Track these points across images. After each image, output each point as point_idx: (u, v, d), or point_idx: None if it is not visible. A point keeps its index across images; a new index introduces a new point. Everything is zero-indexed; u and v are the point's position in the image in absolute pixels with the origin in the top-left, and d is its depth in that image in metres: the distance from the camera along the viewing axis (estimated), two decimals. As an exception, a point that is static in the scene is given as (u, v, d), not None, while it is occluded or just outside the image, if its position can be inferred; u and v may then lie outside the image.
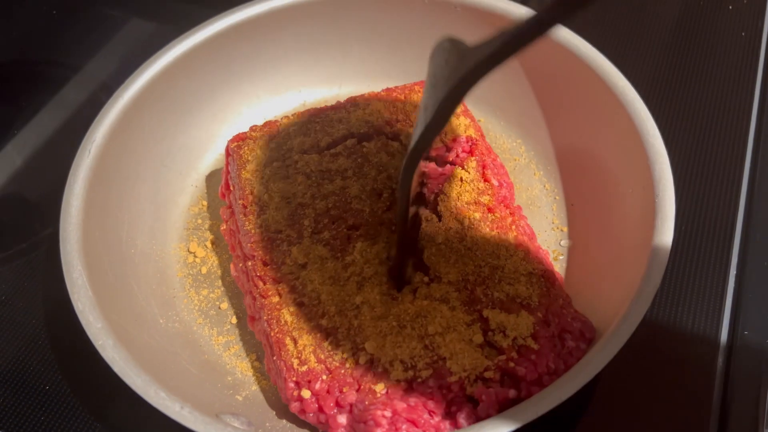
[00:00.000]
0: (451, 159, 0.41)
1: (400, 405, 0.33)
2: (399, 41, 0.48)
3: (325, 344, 0.35)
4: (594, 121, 0.42)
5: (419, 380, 0.34)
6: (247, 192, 0.40)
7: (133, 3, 0.63)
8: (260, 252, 0.38)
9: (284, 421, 0.37)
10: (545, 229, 0.44)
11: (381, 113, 0.43)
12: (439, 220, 0.38)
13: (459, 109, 0.43)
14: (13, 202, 0.52)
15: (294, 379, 0.35)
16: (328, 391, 0.34)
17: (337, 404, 0.34)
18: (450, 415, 0.34)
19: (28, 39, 0.61)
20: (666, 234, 0.34)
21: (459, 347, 0.34)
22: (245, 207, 0.39)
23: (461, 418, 0.33)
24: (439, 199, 0.39)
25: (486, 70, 0.26)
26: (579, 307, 0.37)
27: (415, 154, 0.30)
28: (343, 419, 0.34)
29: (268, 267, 0.38)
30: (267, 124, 0.43)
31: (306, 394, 0.34)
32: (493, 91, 0.46)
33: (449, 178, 0.40)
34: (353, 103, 0.43)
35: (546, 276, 0.37)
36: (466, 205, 0.39)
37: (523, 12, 0.44)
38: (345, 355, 0.35)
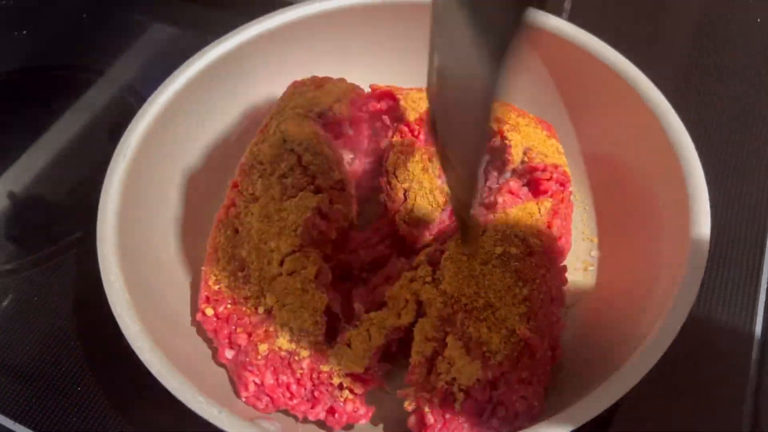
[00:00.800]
0: (542, 186, 0.40)
1: (269, 380, 0.35)
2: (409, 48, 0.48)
3: (240, 275, 0.37)
4: (625, 131, 0.42)
5: (296, 358, 0.35)
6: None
7: (156, 8, 0.64)
8: (240, 175, 0.40)
9: (314, 426, 0.37)
10: (575, 240, 0.43)
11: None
12: (483, 233, 0.37)
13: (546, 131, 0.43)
14: (38, 203, 0.52)
15: (206, 293, 0.38)
16: (227, 320, 0.37)
17: (229, 338, 0.36)
18: (311, 402, 0.35)
19: (55, 44, 0.62)
20: (701, 249, 0.34)
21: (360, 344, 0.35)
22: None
23: (319, 408, 0.35)
24: (496, 211, 0.38)
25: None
26: (609, 317, 0.37)
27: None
28: (229, 355, 0.37)
29: (237, 189, 0.40)
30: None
31: (209, 311, 0.37)
32: (522, 101, 0.46)
33: (521, 203, 0.39)
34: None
35: (529, 345, 0.34)
36: (513, 235, 0.37)
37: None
38: (249, 294, 0.37)
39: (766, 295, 0.41)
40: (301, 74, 0.47)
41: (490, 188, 0.41)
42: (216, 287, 0.38)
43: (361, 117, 0.45)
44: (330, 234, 0.38)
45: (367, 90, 0.45)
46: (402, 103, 0.44)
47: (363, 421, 0.36)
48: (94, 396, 0.40)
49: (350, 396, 0.35)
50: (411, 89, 0.45)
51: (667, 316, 0.32)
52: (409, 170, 0.41)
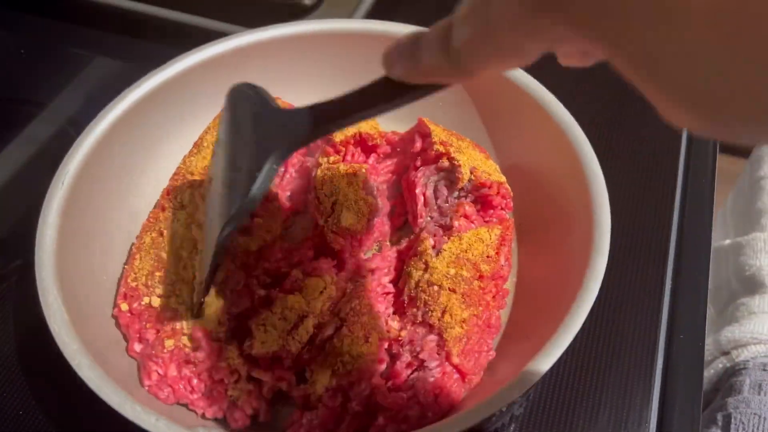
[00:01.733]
0: (492, 201, 0.43)
1: (172, 371, 0.38)
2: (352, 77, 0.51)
3: (157, 275, 0.40)
4: (537, 145, 0.46)
5: (196, 351, 0.38)
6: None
7: (96, 42, 0.65)
8: (171, 184, 0.45)
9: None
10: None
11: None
12: (437, 255, 0.40)
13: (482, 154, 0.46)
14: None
15: (123, 289, 0.41)
16: (138, 316, 0.40)
17: (139, 333, 0.39)
18: (209, 399, 0.38)
19: (-3, 79, 0.63)
20: (604, 241, 0.38)
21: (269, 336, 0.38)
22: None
23: (216, 407, 0.38)
24: (452, 234, 0.41)
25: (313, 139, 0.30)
26: (524, 309, 0.40)
27: (232, 223, 0.32)
28: (138, 348, 0.40)
29: (168, 196, 0.44)
30: None
31: (124, 307, 0.41)
32: (447, 122, 0.49)
33: (474, 228, 0.42)
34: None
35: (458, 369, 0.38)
36: (465, 259, 0.40)
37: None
38: (162, 293, 0.40)
39: (670, 295, 0.45)
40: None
41: (440, 207, 0.44)
42: (133, 284, 0.41)
43: None
44: (250, 246, 0.41)
45: None
46: None
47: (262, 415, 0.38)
48: (35, 419, 0.41)
49: (248, 396, 0.38)
50: None
51: (575, 303, 0.35)
52: (335, 185, 0.44)
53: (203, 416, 0.38)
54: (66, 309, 0.37)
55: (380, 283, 0.42)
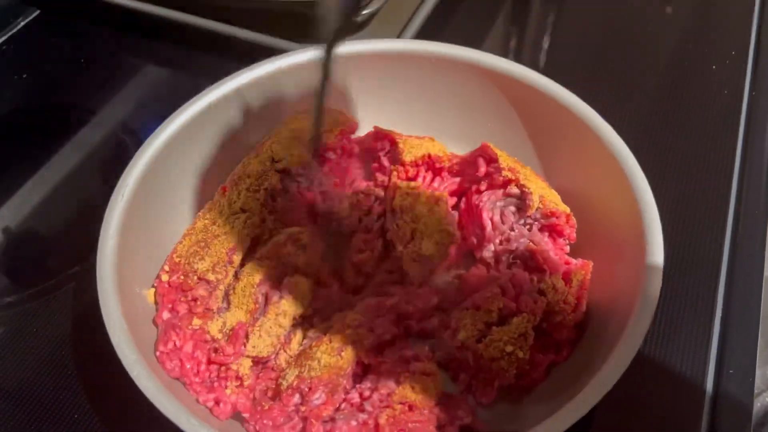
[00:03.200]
0: (561, 230, 0.44)
1: (188, 348, 0.40)
2: (410, 96, 0.52)
3: (200, 257, 0.43)
4: (589, 172, 0.46)
5: (216, 346, 0.40)
6: None
7: (148, 51, 0.67)
8: (229, 183, 0.47)
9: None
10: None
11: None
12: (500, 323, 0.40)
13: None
14: (34, 238, 0.54)
15: (167, 264, 0.43)
16: (176, 288, 0.42)
17: (172, 304, 0.41)
18: (208, 388, 0.40)
19: (53, 86, 0.65)
20: (655, 279, 0.37)
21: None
22: None
23: (211, 396, 0.39)
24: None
25: None
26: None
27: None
28: (165, 316, 0.41)
29: (224, 193, 0.46)
30: None
31: (164, 278, 0.43)
32: (498, 144, 0.49)
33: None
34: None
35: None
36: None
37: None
38: (202, 276, 0.42)
39: (720, 326, 0.44)
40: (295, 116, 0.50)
41: (508, 234, 0.44)
42: (177, 260, 0.43)
43: (350, 148, 0.49)
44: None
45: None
46: (401, 145, 0.48)
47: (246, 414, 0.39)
48: (90, 422, 0.42)
49: (238, 396, 0.39)
50: (410, 136, 0.49)
51: (621, 342, 0.35)
52: (415, 211, 0.44)
53: (197, 401, 0.39)
54: (126, 320, 0.38)
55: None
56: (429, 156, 0.47)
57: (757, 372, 0.54)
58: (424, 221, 0.44)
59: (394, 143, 0.48)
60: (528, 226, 0.44)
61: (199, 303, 0.41)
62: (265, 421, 0.37)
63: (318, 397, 0.37)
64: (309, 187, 0.47)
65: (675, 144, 0.55)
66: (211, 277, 0.42)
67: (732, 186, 0.52)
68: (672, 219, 0.49)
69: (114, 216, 0.42)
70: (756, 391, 0.53)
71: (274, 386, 0.39)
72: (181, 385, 0.40)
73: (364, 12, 0.61)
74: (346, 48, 0.50)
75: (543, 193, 0.44)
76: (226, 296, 0.42)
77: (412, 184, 0.46)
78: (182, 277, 0.42)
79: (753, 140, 0.55)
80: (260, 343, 0.40)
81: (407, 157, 0.47)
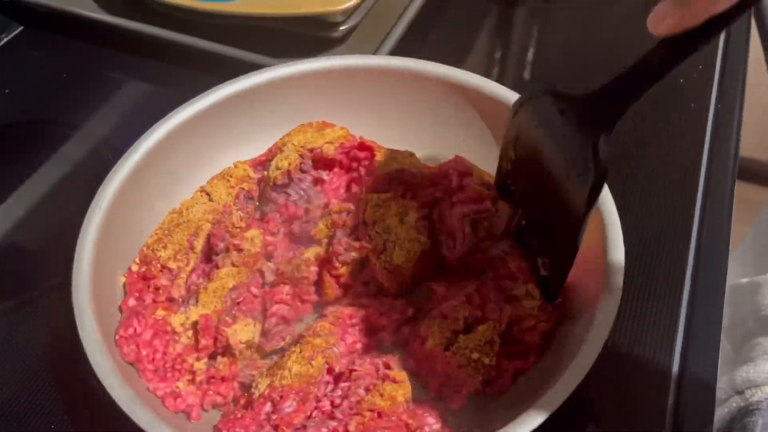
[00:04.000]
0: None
1: (147, 336, 0.41)
2: (417, 114, 0.54)
3: (168, 249, 0.45)
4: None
5: (175, 338, 0.42)
6: None
7: (132, 66, 0.68)
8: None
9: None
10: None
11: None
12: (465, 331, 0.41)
13: None
14: (16, 251, 0.55)
15: (138, 256, 0.45)
16: (143, 278, 0.44)
17: (139, 293, 0.43)
18: (161, 378, 0.41)
19: (36, 101, 0.66)
20: (616, 284, 0.39)
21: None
22: None
23: (163, 386, 0.41)
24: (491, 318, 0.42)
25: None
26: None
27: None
28: (131, 303, 0.43)
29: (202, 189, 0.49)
30: None
31: (134, 268, 0.45)
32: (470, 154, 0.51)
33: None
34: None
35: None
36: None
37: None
38: (169, 267, 0.44)
39: (683, 333, 0.45)
40: (269, 135, 0.51)
41: (479, 247, 0.45)
42: (146, 251, 0.45)
43: (341, 161, 0.50)
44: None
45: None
46: (378, 157, 0.49)
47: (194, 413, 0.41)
48: (67, 432, 0.42)
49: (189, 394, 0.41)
50: (389, 149, 0.50)
51: (583, 347, 0.36)
52: (386, 222, 0.45)
53: (148, 389, 0.40)
54: (100, 331, 0.38)
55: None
56: (402, 170, 0.48)
57: (725, 378, 0.56)
58: (395, 232, 0.45)
59: (372, 154, 0.49)
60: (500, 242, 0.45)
61: (161, 292, 0.43)
62: (237, 429, 0.38)
63: (289, 405, 0.38)
64: (296, 201, 0.48)
65: (642, 154, 0.57)
66: (172, 265, 0.44)
67: (697, 195, 0.53)
68: (638, 227, 0.51)
69: (91, 228, 0.43)
70: (724, 396, 0.55)
71: (245, 395, 0.40)
72: (134, 371, 0.41)
73: (343, 27, 0.63)
74: (325, 62, 0.52)
75: None
76: (195, 294, 0.43)
77: (383, 195, 0.46)
78: (146, 266, 0.44)
79: (719, 150, 0.57)
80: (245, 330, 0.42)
81: (381, 170, 0.48)
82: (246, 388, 0.42)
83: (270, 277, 0.45)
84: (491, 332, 0.40)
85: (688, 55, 0.28)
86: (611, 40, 0.68)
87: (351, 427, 0.37)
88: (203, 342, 0.41)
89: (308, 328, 0.42)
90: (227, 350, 0.42)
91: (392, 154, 0.49)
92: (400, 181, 0.48)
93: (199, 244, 0.45)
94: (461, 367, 0.39)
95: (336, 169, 0.50)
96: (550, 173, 0.38)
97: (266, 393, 0.39)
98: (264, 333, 0.44)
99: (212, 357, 0.43)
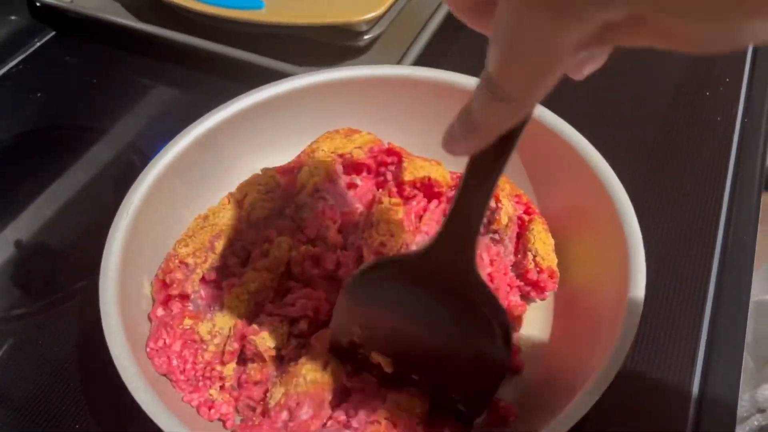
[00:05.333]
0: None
1: (176, 347, 0.42)
2: (440, 124, 0.53)
3: (183, 239, 0.46)
4: (576, 196, 0.47)
5: (204, 347, 0.42)
6: None
7: (159, 72, 0.69)
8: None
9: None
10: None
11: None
12: None
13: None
14: (44, 252, 0.56)
15: (165, 263, 0.46)
16: (171, 286, 0.44)
17: (167, 301, 0.44)
18: (193, 387, 0.41)
19: (65, 105, 0.68)
20: (636, 306, 0.38)
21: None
22: None
23: (196, 396, 0.41)
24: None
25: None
26: (557, 371, 0.41)
27: None
28: (159, 312, 0.44)
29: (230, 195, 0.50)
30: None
31: (160, 275, 0.45)
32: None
33: None
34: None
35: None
36: None
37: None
38: (197, 275, 0.44)
39: (705, 349, 0.45)
40: (293, 143, 0.52)
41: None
42: (175, 260, 0.45)
43: (369, 165, 0.50)
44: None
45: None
46: (405, 164, 0.49)
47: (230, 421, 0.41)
48: (91, 432, 0.43)
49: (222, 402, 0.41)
50: (418, 157, 0.50)
51: (602, 367, 0.36)
52: (390, 226, 0.46)
53: (182, 399, 0.41)
54: (126, 334, 0.39)
55: None
56: (428, 179, 0.48)
57: (746, 395, 0.55)
58: (397, 235, 0.45)
59: (400, 160, 0.50)
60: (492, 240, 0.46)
61: (175, 286, 0.44)
62: None
63: (305, 412, 0.38)
64: (333, 206, 0.48)
65: (667, 167, 0.56)
66: (190, 261, 0.45)
67: (722, 210, 0.53)
68: (662, 241, 0.50)
69: (118, 233, 0.43)
70: (745, 414, 0.54)
71: (261, 403, 0.41)
72: (168, 382, 0.41)
73: (367, 36, 0.64)
74: (349, 72, 0.53)
75: (538, 246, 0.46)
76: (219, 299, 0.44)
77: (393, 200, 0.47)
78: (180, 275, 0.44)
79: (744, 164, 0.56)
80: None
81: (407, 177, 0.48)
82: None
83: (292, 282, 0.46)
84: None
85: (494, 175, 0.28)
86: (630, 56, 0.68)
87: None
88: (233, 347, 0.42)
89: (316, 338, 0.43)
90: (257, 356, 0.42)
91: (420, 162, 0.50)
92: (425, 188, 0.49)
93: (220, 245, 0.45)
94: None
95: (364, 174, 0.51)
96: (435, 338, 0.37)
97: (282, 401, 0.39)
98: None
99: (240, 362, 0.43)
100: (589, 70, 0.25)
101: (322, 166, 0.49)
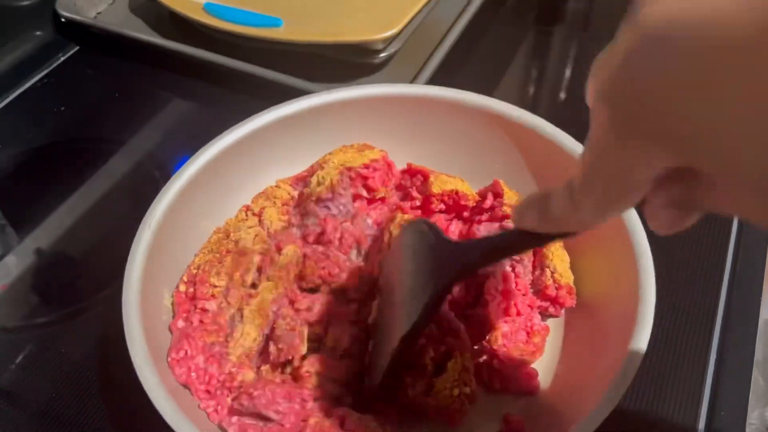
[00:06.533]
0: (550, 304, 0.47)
1: (199, 360, 0.43)
2: (453, 141, 0.55)
3: (215, 271, 0.47)
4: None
5: (226, 357, 0.43)
6: None
7: (178, 85, 0.71)
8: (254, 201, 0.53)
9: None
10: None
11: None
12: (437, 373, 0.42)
13: None
14: (65, 260, 0.58)
15: (185, 276, 0.47)
16: (191, 299, 0.46)
17: (187, 313, 0.45)
18: (213, 397, 0.42)
19: (87, 118, 0.69)
20: (647, 307, 0.39)
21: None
22: None
23: (213, 403, 0.42)
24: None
25: (468, 274, 0.36)
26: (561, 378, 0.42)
27: (414, 334, 0.38)
28: (180, 324, 0.45)
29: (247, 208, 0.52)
30: None
31: (182, 288, 0.46)
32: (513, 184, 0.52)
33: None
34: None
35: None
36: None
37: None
38: (217, 285, 0.46)
39: (714, 369, 0.46)
40: (310, 158, 0.53)
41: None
42: (194, 271, 0.46)
43: (385, 181, 0.52)
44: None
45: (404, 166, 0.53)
46: (431, 179, 0.51)
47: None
48: (112, 439, 0.45)
49: None
50: (442, 173, 0.52)
51: (615, 373, 0.37)
52: None
53: (199, 406, 0.42)
54: (147, 344, 0.40)
55: None
56: (456, 192, 0.50)
57: (756, 413, 0.55)
58: None
59: (426, 177, 0.51)
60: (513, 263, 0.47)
61: (209, 314, 0.45)
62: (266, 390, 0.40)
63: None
64: (336, 215, 0.50)
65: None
66: (224, 299, 0.46)
67: (732, 229, 0.54)
68: (671, 264, 0.51)
69: (141, 246, 0.45)
70: (754, 432, 0.54)
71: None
72: (187, 391, 0.42)
73: (383, 54, 0.65)
74: (365, 90, 0.54)
75: (556, 262, 0.46)
76: (240, 311, 0.45)
77: (406, 216, 0.48)
78: (196, 286, 0.46)
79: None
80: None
81: (435, 189, 0.50)
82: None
83: (308, 284, 0.47)
84: (461, 364, 0.41)
85: (535, 245, 0.35)
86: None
87: None
88: (273, 352, 0.43)
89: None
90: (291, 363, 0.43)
91: (446, 177, 0.51)
92: (453, 201, 0.50)
93: (250, 278, 0.47)
94: (448, 404, 0.40)
95: (390, 187, 0.52)
96: (400, 287, 0.40)
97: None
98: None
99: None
100: (676, 229, 0.28)
101: (329, 176, 0.50)
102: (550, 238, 0.31)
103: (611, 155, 0.23)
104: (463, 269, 0.35)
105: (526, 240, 0.31)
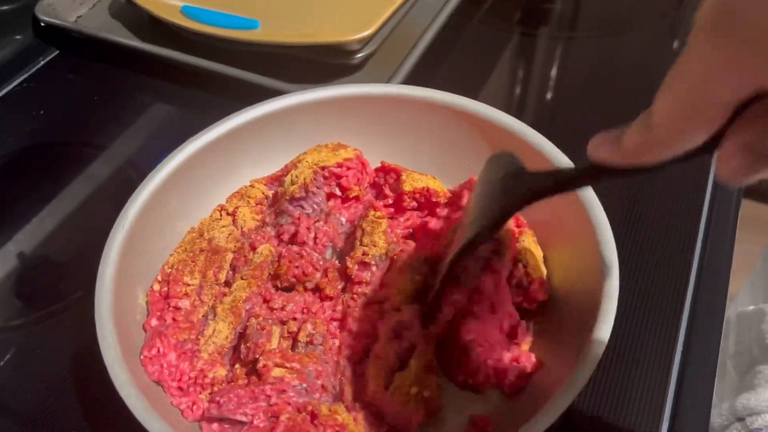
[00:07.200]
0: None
1: (171, 358, 0.43)
2: (427, 140, 0.56)
3: (188, 270, 0.48)
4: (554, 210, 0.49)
5: (198, 355, 0.44)
6: None
7: (158, 89, 0.72)
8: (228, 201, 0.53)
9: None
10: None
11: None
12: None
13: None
14: (46, 264, 0.58)
15: (160, 275, 0.48)
16: (165, 298, 0.47)
17: (160, 312, 0.46)
18: (185, 393, 0.43)
19: (67, 122, 0.70)
20: (611, 300, 0.40)
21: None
22: None
23: (184, 398, 0.43)
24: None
25: (537, 199, 0.36)
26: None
27: (469, 248, 0.40)
28: (153, 323, 0.45)
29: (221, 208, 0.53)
30: None
31: (156, 287, 0.47)
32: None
33: None
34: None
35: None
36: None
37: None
38: (189, 288, 0.47)
39: (680, 358, 0.46)
40: (283, 158, 0.54)
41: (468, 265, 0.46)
42: (168, 270, 0.47)
43: (359, 180, 0.53)
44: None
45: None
46: (403, 177, 0.51)
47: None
48: (87, 439, 0.45)
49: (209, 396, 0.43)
50: (414, 171, 0.53)
51: (578, 362, 0.38)
52: (372, 237, 0.48)
53: (171, 403, 0.42)
54: (119, 343, 0.41)
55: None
56: (428, 189, 0.50)
57: (726, 404, 0.56)
58: (377, 245, 0.47)
59: (398, 176, 0.52)
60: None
61: (182, 313, 0.45)
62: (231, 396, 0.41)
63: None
64: (309, 214, 0.51)
65: (645, 184, 0.58)
66: (197, 297, 0.46)
67: (701, 217, 0.54)
68: (639, 257, 0.52)
69: (114, 245, 0.45)
70: (725, 422, 0.55)
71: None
72: (159, 388, 0.43)
73: (359, 55, 0.66)
74: (339, 90, 0.55)
75: (528, 257, 0.47)
76: (213, 308, 0.46)
77: (378, 213, 0.49)
78: (169, 285, 0.47)
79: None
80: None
81: (407, 187, 0.50)
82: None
83: (282, 284, 0.48)
84: (422, 362, 0.41)
85: (608, 180, 0.33)
86: (633, 67, 0.70)
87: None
88: (227, 353, 0.44)
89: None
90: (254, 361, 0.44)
91: (417, 175, 0.52)
92: (424, 198, 0.51)
93: (223, 276, 0.48)
94: (404, 404, 0.40)
95: (365, 186, 0.53)
96: (473, 209, 0.41)
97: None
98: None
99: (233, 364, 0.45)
100: (744, 178, 0.27)
101: (302, 175, 0.51)
102: (621, 172, 0.30)
103: (696, 62, 0.23)
104: (533, 194, 0.36)
105: (598, 173, 0.31)
